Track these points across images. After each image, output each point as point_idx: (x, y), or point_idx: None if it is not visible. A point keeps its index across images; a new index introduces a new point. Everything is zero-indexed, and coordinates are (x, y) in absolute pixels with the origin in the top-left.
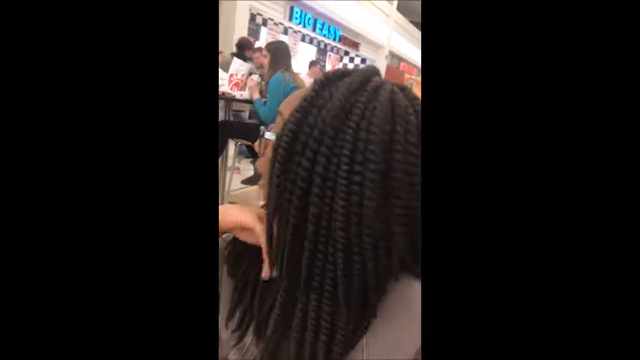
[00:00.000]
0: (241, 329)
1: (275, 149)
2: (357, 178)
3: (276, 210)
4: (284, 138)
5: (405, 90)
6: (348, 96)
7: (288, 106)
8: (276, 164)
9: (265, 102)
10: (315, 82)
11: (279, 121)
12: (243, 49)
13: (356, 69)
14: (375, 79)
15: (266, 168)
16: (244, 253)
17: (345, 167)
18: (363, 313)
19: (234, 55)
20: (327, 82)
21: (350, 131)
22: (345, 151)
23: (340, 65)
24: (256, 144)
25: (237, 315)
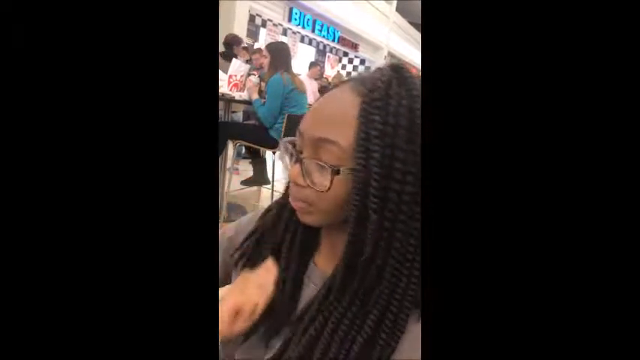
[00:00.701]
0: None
1: (364, 182)
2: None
3: (359, 239)
4: (374, 169)
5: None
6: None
7: (339, 131)
8: (372, 197)
9: (264, 103)
10: (369, 98)
11: (334, 150)
12: (231, 47)
13: (387, 72)
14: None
15: (338, 200)
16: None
17: (419, 178)
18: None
19: (222, 54)
20: (379, 95)
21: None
22: (419, 163)
23: (339, 66)
24: (298, 175)
25: None
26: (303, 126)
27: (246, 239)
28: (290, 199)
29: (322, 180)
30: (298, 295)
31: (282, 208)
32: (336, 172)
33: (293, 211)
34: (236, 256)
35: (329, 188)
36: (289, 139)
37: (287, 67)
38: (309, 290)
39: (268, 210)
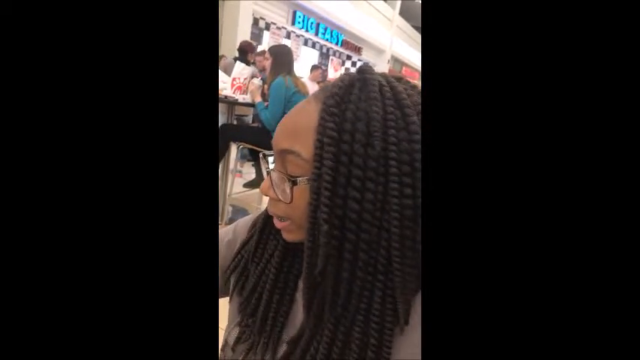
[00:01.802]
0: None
1: (317, 192)
2: (408, 191)
3: (316, 251)
4: (325, 177)
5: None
6: (377, 113)
7: (301, 143)
8: (322, 206)
9: (267, 106)
10: (325, 105)
11: (296, 162)
12: (246, 53)
13: (350, 77)
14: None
15: (302, 211)
16: (249, 267)
17: (395, 185)
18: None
19: (236, 59)
20: (334, 101)
21: (385, 146)
22: (394, 170)
23: (342, 69)
24: (268, 188)
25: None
26: (274, 140)
27: (236, 254)
28: (274, 221)
29: (286, 191)
30: (292, 307)
31: (266, 221)
32: (293, 182)
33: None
34: (227, 273)
35: (291, 199)
36: (270, 152)
37: (289, 69)
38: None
39: (254, 224)
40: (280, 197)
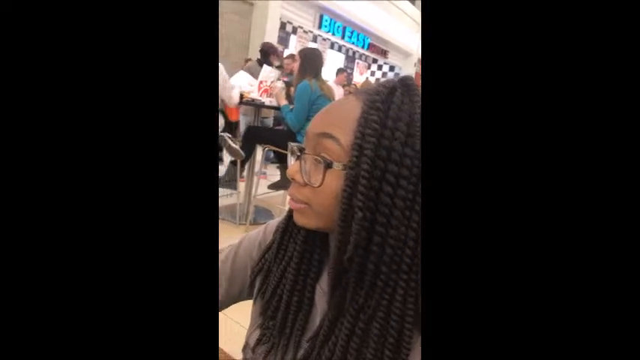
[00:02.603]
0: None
1: (354, 180)
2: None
3: (346, 237)
4: (364, 166)
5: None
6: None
7: (341, 130)
8: (359, 194)
9: (292, 109)
10: (369, 101)
11: (332, 147)
12: (268, 55)
13: (392, 82)
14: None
15: (330, 199)
16: (272, 269)
17: (414, 183)
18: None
19: (258, 60)
20: (380, 98)
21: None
22: (415, 170)
23: (368, 73)
24: (296, 172)
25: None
26: (310, 126)
27: (260, 257)
28: (289, 201)
29: (316, 175)
30: (311, 310)
31: (287, 225)
32: (328, 165)
33: (299, 227)
34: (252, 276)
35: (321, 183)
36: (297, 143)
37: (316, 73)
38: (323, 303)
39: (278, 228)
40: (308, 181)
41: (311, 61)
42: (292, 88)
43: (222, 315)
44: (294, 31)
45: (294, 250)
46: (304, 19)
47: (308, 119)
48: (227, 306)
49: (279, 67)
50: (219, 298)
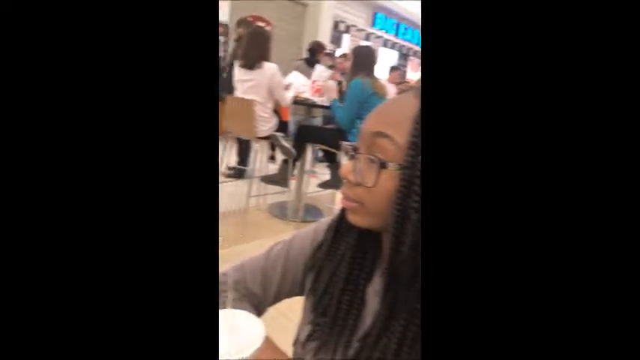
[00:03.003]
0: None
1: (409, 180)
2: None
3: (401, 239)
4: (419, 166)
5: None
6: None
7: (396, 129)
8: (414, 195)
9: (342, 105)
10: None
11: (387, 146)
12: (315, 53)
13: None
14: None
15: (384, 199)
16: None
17: None
18: None
19: (306, 60)
20: None
21: None
22: None
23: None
24: (349, 171)
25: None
26: (364, 124)
27: (313, 254)
28: (341, 200)
29: (371, 175)
30: (362, 310)
31: (340, 223)
32: (382, 165)
33: (351, 226)
34: (305, 270)
35: (375, 183)
36: (351, 143)
37: (369, 71)
38: (374, 303)
39: (330, 226)
40: (361, 181)
41: (364, 58)
42: (344, 83)
43: (272, 309)
44: (347, 29)
45: (345, 249)
46: (357, 17)
47: (360, 118)
48: (279, 300)
49: (331, 67)
50: (273, 291)
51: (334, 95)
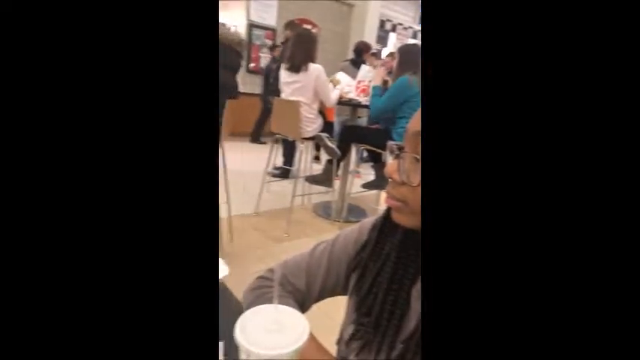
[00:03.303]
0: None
1: None
2: None
3: None
4: None
5: None
6: None
7: None
8: None
9: (382, 95)
10: None
11: None
12: (361, 53)
13: None
14: None
15: None
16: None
17: None
18: None
19: (352, 60)
20: None
21: None
22: None
23: None
24: (394, 170)
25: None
26: (410, 123)
27: (357, 254)
28: (386, 199)
29: (415, 174)
30: (407, 311)
31: (384, 222)
32: None
33: (396, 226)
34: (349, 269)
35: (420, 182)
36: (396, 142)
37: (415, 69)
38: (419, 304)
39: (374, 226)
40: (406, 180)
41: (410, 56)
42: (390, 83)
43: (314, 307)
44: (394, 28)
45: (390, 249)
46: (404, 16)
47: (405, 117)
48: (322, 299)
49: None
50: (316, 289)
51: (379, 81)
